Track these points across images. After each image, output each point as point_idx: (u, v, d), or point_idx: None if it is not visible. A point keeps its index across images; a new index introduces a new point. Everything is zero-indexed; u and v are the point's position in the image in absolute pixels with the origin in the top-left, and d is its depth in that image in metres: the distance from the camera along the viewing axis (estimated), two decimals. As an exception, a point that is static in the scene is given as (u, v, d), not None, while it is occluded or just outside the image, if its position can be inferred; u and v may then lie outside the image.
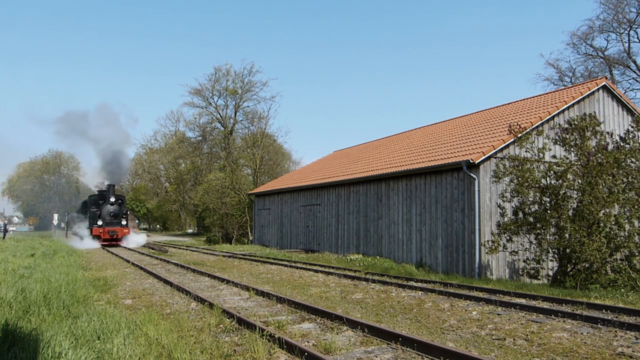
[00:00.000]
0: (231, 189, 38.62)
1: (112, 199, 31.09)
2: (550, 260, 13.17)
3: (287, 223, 26.33)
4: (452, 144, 17.70)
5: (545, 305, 8.64)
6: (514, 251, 13.89)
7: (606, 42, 44.29)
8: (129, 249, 27.92)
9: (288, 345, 5.53)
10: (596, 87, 17.18)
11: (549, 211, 12.12)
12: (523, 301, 8.95)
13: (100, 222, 30.03)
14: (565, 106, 16.20)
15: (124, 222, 31.23)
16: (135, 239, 32.30)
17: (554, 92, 20.88)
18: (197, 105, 52.33)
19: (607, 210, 11.68)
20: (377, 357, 5.45)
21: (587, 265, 11.67)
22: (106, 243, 30.00)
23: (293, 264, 16.54)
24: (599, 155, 11.82)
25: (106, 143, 35.79)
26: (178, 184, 60.46)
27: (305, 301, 8.78)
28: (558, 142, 12.92)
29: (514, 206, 13.24)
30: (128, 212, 33.58)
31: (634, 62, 34.87)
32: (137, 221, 70.52)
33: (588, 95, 16.97)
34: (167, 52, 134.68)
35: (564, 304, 8.58)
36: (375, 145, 27.71)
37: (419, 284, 11.30)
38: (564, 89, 21.23)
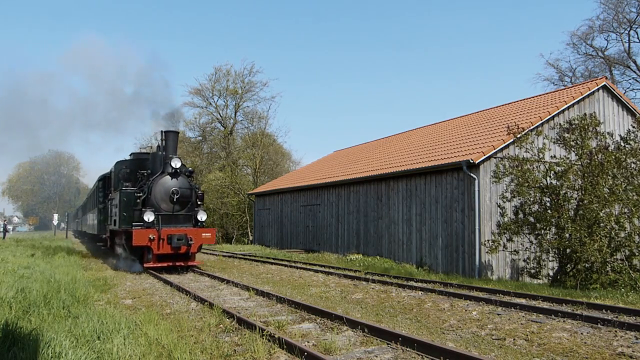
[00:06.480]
0: (231, 189, 38.58)
1: (176, 163, 14.41)
2: (551, 260, 13.17)
3: (287, 223, 26.33)
4: (452, 144, 17.70)
5: (546, 305, 8.63)
6: (514, 251, 13.89)
7: (606, 42, 44.15)
8: None
9: (288, 345, 5.52)
10: (596, 87, 17.18)
11: (549, 211, 12.12)
12: (523, 301, 8.94)
13: (149, 217, 13.78)
14: (565, 106, 16.20)
15: (201, 217, 14.89)
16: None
17: (554, 92, 20.88)
18: (197, 105, 52.26)
19: (608, 210, 11.69)
20: (377, 357, 5.45)
21: (587, 265, 11.67)
22: (164, 264, 13.99)
23: (293, 264, 16.54)
24: (600, 155, 11.83)
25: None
26: (178, 184, 60.32)
27: (305, 301, 8.78)
28: (558, 142, 12.92)
29: (514, 206, 13.24)
30: (204, 195, 17.08)
31: (634, 62, 34.84)
32: None
33: (588, 95, 16.98)
34: (167, 52, 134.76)
35: (564, 304, 8.57)
36: (375, 145, 27.70)
37: (419, 284, 11.29)
38: (564, 89, 21.24)
